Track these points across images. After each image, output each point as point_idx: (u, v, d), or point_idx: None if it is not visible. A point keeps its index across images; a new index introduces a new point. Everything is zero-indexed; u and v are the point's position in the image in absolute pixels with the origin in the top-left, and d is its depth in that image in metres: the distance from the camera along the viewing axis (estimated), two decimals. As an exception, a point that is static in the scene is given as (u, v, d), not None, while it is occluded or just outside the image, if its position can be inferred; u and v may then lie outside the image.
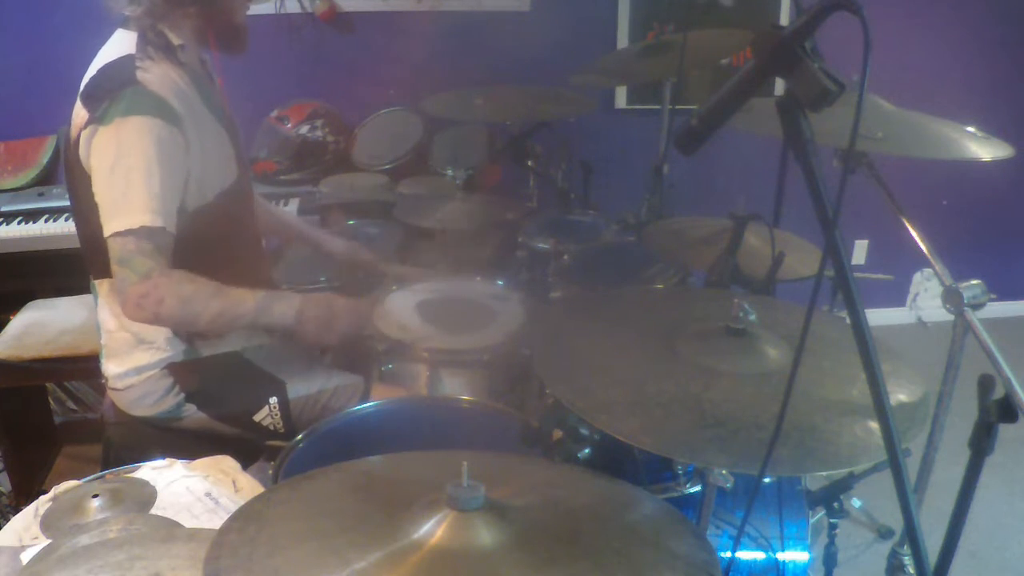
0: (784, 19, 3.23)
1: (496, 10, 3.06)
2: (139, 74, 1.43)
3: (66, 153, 1.52)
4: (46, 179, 2.78)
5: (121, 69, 1.44)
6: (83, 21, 2.51)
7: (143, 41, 1.47)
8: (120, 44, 1.48)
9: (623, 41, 3.19)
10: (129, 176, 1.38)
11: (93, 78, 1.47)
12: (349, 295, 1.88)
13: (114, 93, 1.40)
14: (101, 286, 1.59)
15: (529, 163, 2.31)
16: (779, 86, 0.96)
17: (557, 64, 2.51)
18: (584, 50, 2.79)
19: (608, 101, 3.29)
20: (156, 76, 1.44)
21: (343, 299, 1.62)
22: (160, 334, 1.57)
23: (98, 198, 1.42)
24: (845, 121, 0.83)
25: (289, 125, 2.77)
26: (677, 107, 2.37)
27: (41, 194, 2.64)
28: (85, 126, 1.42)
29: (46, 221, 2.52)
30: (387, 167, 2.80)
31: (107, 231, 1.39)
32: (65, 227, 2.49)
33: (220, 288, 1.47)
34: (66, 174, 1.56)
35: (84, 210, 1.51)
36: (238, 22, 1.58)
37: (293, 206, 2.67)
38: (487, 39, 2.99)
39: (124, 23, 1.50)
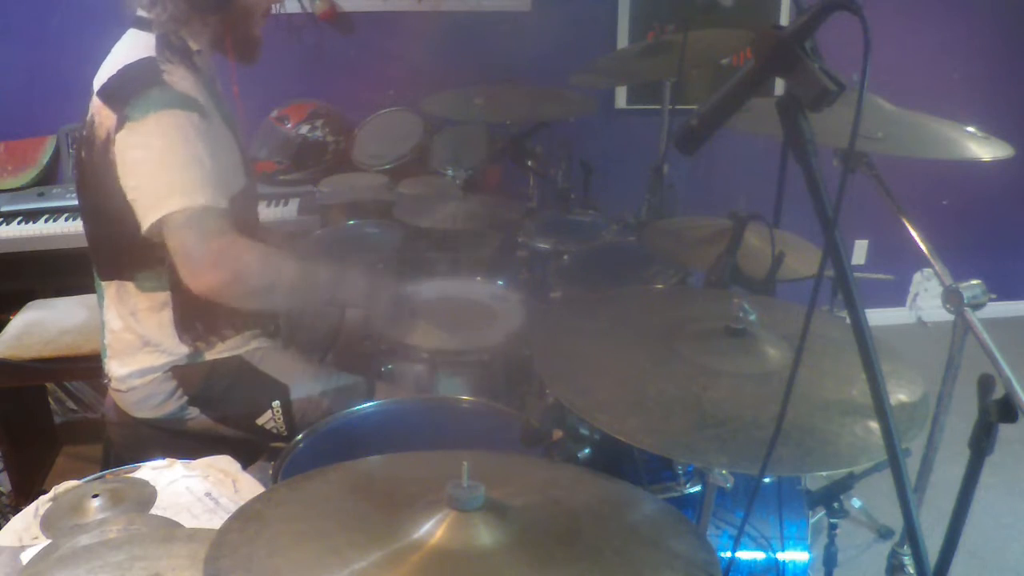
0: (784, 19, 3.23)
1: (496, 10, 3.06)
2: (164, 76, 1.43)
3: (83, 153, 1.51)
4: (46, 179, 2.78)
5: (145, 70, 1.44)
6: (83, 22, 2.52)
7: (162, 44, 1.47)
8: (136, 45, 1.48)
9: (623, 41, 3.19)
10: (177, 162, 1.39)
11: (113, 78, 1.46)
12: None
13: (142, 92, 1.40)
14: (109, 287, 1.59)
15: (529, 163, 2.31)
16: (779, 86, 0.96)
17: (557, 64, 2.50)
18: (584, 50, 2.79)
19: (608, 101, 3.28)
20: (178, 79, 1.45)
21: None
22: (166, 336, 1.57)
23: (139, 191, 1.41)
24: (845, 121, 0.83)
25: (289, 125, 2.77)
26: (677, 107, 2.38)
27: (41, 194, 2.64)
28: (119, 126, 1.41)
29: (46, 221, 2.52)
30: (387, 167, 2.80)
31: (161, 212, 1.38)
32: (65, 227, 2.49)
33: (291, 257, 1.48)
34: (80, 174, 1.55)
35: (97, 209, 1.51)
36: (255, 34, 1.59)
37: (293, 206, 2.68)
38: (487, 39, 2.99)
39: (138, 24, 1.50)
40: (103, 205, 1.47)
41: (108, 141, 1.43)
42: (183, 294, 1.50)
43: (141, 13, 1.49)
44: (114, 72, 1.46)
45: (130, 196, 1.42)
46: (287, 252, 1.48)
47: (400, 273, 2.08)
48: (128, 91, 1.42)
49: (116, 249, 1.50)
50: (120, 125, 1.41)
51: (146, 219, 1.40)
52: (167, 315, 1.55)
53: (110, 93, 1.45)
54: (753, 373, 1.08)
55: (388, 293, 1.62)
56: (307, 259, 1.57)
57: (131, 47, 1.49)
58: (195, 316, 1.56)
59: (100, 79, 1.48)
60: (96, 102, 1.47)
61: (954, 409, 1.41)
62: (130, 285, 1.55)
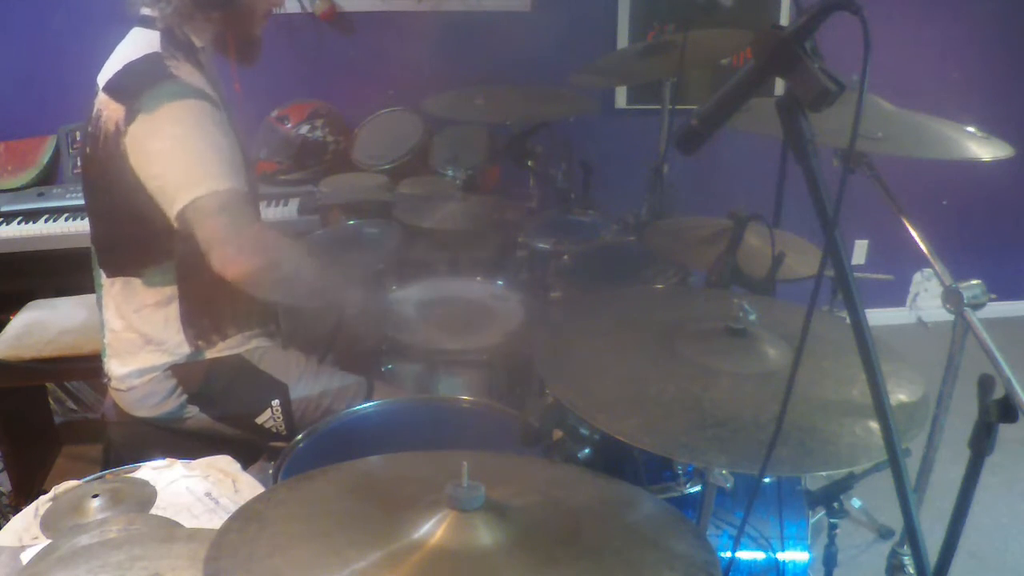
0: (784, 19, 3.22)
1: (496, 10, 3.06)
2: (172, 70, 1.44)
3: (88, 149, 1.51)
4: (46, 179, 2.78)
5: (151, 65, 1.44)
6: (83, 22, 2.52)
7: (167, 40, 1.48)
8: (140, 43, 1.48)
9: (623, 41, 3.19)
10: (198, 148, 1.40)
11: (119, 74, 1.46)
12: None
13: (152, 85, 1.41)
14: (113, 285, 1.59)
15: (529, 163, 2.31)
16: (779, 86, 0.96)
17: (557, 64, 2.50)
18: (584, 50, 2.78)
19: (608, 101, 3.28)
20: (185, 74, 1.46)
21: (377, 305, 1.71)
22: (169, 334, 1.57)
23: (163, 179, 1.42)
24: (845, 121, 0.83)
25: (289, 125, 2.77)
26: (677, 107, 2.37)
27: (41, 194, 2.64)
28: (130, 119, 1.41)
29: (46, 221, 2.52)
30: (387, 167, 2.80)
31: (191, 196, 1.38)
32: (65, 227, 2.49)
33: (310, 253, 1.55)
34: (87, 171, 1.55)
35: (107, 205, 1.51)
36: (256, 34, 1.60)
37: (293, 206, 2.68)
38: (487, 39, 2.99)
39: (143, 22, 1.50)
40: (114, 199, 1.48)
41: (118, 133, 1.43)
42: (191, 287, 1.52)
43: (145, 11, 1.49)
44: (119, 68, 1.47)
45: (152, 186, 1.42)
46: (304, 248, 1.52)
47: (400, 273, 2.08)
48: (137, 85, 1.42)
49: (126, 244, 1.51)
50: (131, 118, 1.41)
51: (173, 206, 1.40)
52: (173, 310, 1.56)
53: (117, 87, 1.45)
54: (753, 373, 1.08)
55: (379, 307, 1.66)
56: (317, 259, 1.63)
57: (136, 44, 1.49)
58: (202, 310, 1.57)
59: (105, 75, 1.49)
60: (102, 97, 1.47)
61: (954, 409, 1.41)
62: (136, 281, 1.55)
